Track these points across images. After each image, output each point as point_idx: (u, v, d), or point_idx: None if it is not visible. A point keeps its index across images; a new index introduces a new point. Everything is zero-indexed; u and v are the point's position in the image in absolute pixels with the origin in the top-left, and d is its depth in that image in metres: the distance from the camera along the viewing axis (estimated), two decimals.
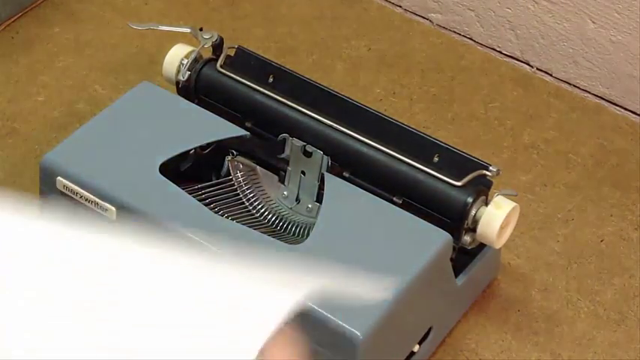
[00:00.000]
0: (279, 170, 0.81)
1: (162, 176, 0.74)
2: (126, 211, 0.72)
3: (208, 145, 0.80)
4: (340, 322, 0.66)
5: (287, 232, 0.78)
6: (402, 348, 0.73)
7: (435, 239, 0.72)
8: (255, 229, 0.75)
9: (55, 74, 1.01)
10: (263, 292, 0.51)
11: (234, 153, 0.82)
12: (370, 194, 0.75)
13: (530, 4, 1.03)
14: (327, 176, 0.77)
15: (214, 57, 0.84)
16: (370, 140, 0.77)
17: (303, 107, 0.79)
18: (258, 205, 0.80)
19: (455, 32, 1.10)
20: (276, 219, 0.79)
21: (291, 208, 0.80)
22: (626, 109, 1.03)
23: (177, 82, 0.83)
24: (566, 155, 0.96)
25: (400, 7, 1.12)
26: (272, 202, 0.80)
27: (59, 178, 0.74)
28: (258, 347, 0.52)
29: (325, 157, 0.78)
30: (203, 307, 0.50)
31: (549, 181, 0.94)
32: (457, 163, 0.76)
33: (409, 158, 0.76)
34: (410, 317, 0.71)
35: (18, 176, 0.89)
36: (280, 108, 0.80)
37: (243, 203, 0.80)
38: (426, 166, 0.75)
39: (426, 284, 0.71)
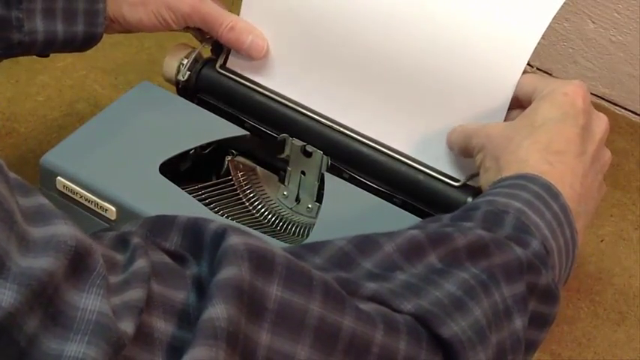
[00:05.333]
0: (279, 170, 0.81)
1: (162, 176, 0.74)
2: (126, 211, 0.72)
3: (208, 145, 0.80)
4: None
5: (287, 232, 0.78)
6: None
7: None
8: (255, 229, 0.75)
9: (55, 74, 1.01)
10: None
11: (234, 153, 0.82)
12: (370, 194, 0.75)
13: None
14: (327, 176, 0.77)
15: (214, 57, 0.84)
16: (370, 140, 0.77)
17: (303, 107, 0.79)
18: (258, 205, 0.80)
19: None
20: (276, 219, 0.79)
21: (291, 208, 0.80)
22: (626, 109, 1.03)
23: (177, 82, 0.83)
24: None
25: None
26: (272, 202, 0.80)
27: (59, 178, 0.74)
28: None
29: (325, 157, 0.78)
30: None
31: None
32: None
33: (409, 158, 0.76)
34: None
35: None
36: (280, 108, 0.80)
37: (243, 203, 0.80)
38: (426, 166, 0.75)
39: None
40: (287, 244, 0.73)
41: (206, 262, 0.48)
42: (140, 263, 0.45)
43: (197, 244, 0.49)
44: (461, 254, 0.54)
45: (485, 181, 0.66)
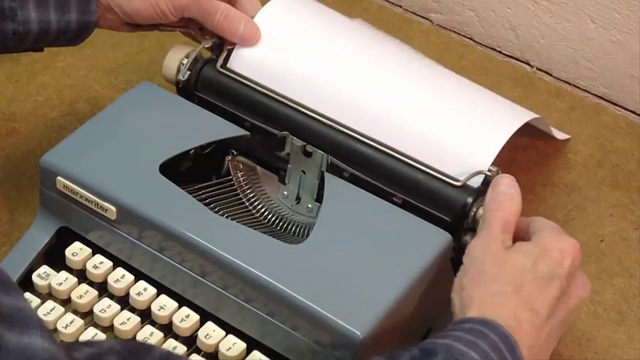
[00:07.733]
0: (279, 170, 0.81)
1: (162, 176, 0.74)
2: (126, 211, 0.72)
3: (208, 145, 0.80)
4: (340, 322, 0.66)
5: (287, 232, 0.78)
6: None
7: (436, 239, 0.72)
8: (255, 229, 0.75)
9: (55, 74, 1.01)
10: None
11: (234, 153, 0.82)
12: (370, 194, 0.75)
13: (531, 4, 1.03)
14: (327, 176, 0.77)
15: (214, 57, 0.84)
16: (370, 140, 0.77)
17: (303, 107, 0.79)
18: (258, 205, 0.80)
19: (455, 32, 1.10)
20: (276, 219, 0.79)
21: (291, 208, 0.80)
22: (626, 109, 1.03)
23: (177, 82, 0.83)
24: (566, 155, 0.96)
25: (400, 6, 1.12)
26: (272, 201, 0.80)
27: (59, 178, 0.74)
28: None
29: (325, 156, 0.78)
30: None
31: (549, 181, 0.94)
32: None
33: (409, 158, 0.76)
34: (410, 318, 0.71)
35: (18, 176, 0.89)
36: (280, 108, 0.80)
37: (243, 203, 0.80)
38: (426, 166, 0.75)
39: (426, 284, 0.71)
40: (287, 244, 0.73)
41: None
42: None
43: None
44: None
45: (454, 302, 0.66)
